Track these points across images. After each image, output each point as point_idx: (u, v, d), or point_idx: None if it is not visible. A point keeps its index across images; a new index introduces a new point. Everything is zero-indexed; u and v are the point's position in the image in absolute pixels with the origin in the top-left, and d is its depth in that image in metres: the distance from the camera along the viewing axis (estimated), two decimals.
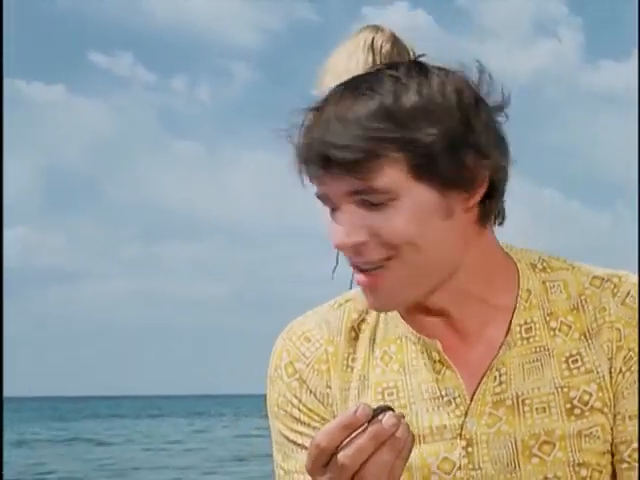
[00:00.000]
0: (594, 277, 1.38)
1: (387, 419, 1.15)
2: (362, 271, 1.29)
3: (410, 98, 1.26)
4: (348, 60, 2.80)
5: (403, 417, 1.17)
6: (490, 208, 1.31)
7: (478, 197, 1.29)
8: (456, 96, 1.27)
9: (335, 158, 1.24)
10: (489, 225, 1.34)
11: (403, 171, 1.25)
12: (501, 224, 1.36)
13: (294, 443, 1.39)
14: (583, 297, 1.36)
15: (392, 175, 1.25)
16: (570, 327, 1.36)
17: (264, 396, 1.45)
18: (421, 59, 1.36)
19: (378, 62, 2.92)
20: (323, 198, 1.29)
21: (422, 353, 1.36)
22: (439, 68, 1.30)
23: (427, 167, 1.25)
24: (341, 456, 1.16)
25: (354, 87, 1.31)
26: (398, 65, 1.35)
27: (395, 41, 2.85)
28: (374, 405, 1.18)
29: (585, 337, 1.35)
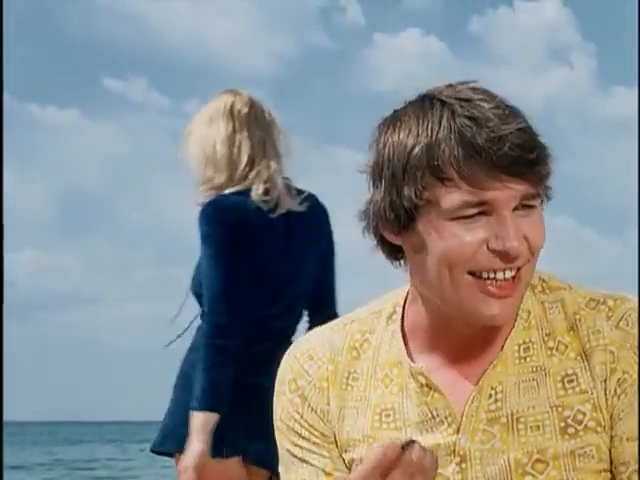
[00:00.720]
0: (590, 299, 1.40)
1: (416, 452, 1.22)
2: (497, 281, 1.32)
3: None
4: (209, 126, 2.89)
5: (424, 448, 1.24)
6: None
7: None
8: None
9: (534, 162, 1.29)
10: None
11: None
12: None
13: (295, 456, 1.44)
14: (578, 317, 1.39)
15: None
16: (567, 347, 1.38)
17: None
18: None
19: (237, 126, 2.99)
20: (475, 204, 1.30)
21: (411, 377, 1.40)
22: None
23: (547, 176, 1.34)
24: None
25: (487, 104, 1.31)
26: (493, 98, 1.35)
27: (252, 104, 2.92)
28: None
29: (581, 357, 1.37)
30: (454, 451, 1.37)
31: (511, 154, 1.27)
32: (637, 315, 1.38)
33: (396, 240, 1.37)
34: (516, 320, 1.39)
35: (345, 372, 1.44)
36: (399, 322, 1.44)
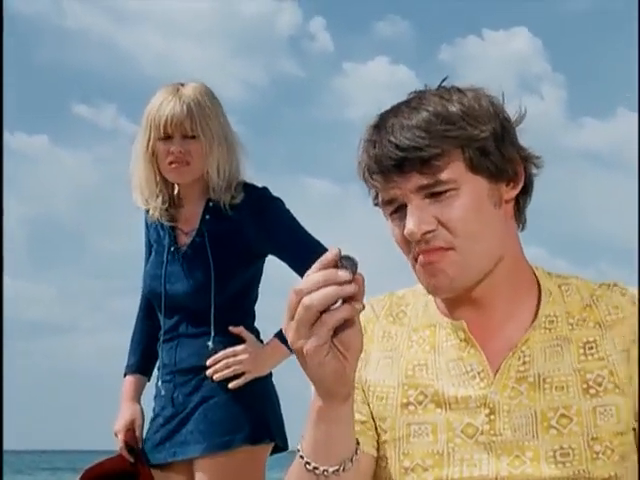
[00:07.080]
0: (601, 284, 1.56)
1: (342, 273, 1.23)
2: (425, 252, 1.45)
3: (455, 106, 1.46)
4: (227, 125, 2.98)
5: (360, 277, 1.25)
6: (523, 204, 1.53)
7: (519, 188, 1.50)
8: (490, 104, 1.49)
9: (410, 158, 1.43)
10: (518, 227, 1.54)
11: (461, 164, 1.45)
12: (523, 229, 1.55)
13: None
14: (594, 297, 1.54)
15: (453, 168, 1.44)
16: (585, 320, 1.52)
17: None
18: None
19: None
20: (390, 201, 1.47)
21: (450, 335, 1.53)
22: (469, 88, 1.51)
23: (481, 160, 1.45)
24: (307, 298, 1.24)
25: (405, 104, 1.48)
26: (437, 89, 1.51)
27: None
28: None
29: (600, 326, 1.51)
30: (484, 403, 1.48)
31: (395, 156, 1.43)
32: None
33: None
34: (541, 296, 1.53)
35: (381, 331, 1.58)
36: None
